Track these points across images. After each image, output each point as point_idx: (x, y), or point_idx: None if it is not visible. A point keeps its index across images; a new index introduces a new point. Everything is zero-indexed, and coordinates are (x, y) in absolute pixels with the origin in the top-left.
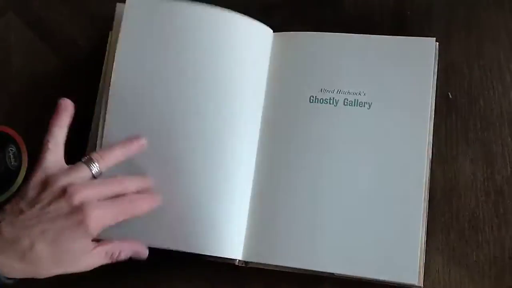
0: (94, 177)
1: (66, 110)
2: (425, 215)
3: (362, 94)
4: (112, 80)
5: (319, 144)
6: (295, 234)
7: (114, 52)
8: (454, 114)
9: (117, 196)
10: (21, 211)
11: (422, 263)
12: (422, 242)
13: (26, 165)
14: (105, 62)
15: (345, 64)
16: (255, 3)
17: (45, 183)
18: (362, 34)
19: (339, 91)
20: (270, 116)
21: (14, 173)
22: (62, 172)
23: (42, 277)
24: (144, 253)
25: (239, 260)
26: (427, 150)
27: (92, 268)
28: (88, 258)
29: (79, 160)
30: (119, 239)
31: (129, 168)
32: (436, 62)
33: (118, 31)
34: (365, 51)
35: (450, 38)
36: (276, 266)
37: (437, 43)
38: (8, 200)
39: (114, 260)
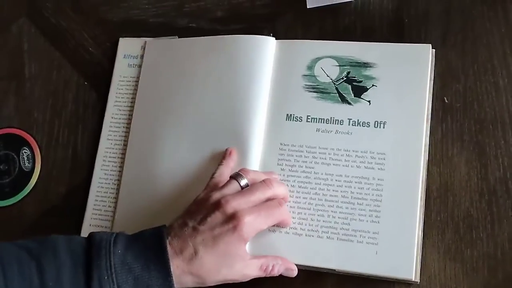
0: (242, 188)
1: (232, 156)
2: (422, 213)
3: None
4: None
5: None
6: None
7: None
8: (449, 117)
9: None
10: (185, 224)
11: (418, 259)
12: (419, 239)
13: (40, 167)
14: None
15: None
16: (259, 13)
17: (202, 201)
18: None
19: None
20: (273, 118)
21: (27, 174)
22: (214, 190)
23: (208, 284)
24: (295, 271)
25: None
26: (424, 151)
27: (248, 279)
28: (244, 266)
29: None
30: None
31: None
32: (433, 67)
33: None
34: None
35: (446, 44)
36: None
37: (433, 49)
38: (21, 201)
39: (268, 274)
